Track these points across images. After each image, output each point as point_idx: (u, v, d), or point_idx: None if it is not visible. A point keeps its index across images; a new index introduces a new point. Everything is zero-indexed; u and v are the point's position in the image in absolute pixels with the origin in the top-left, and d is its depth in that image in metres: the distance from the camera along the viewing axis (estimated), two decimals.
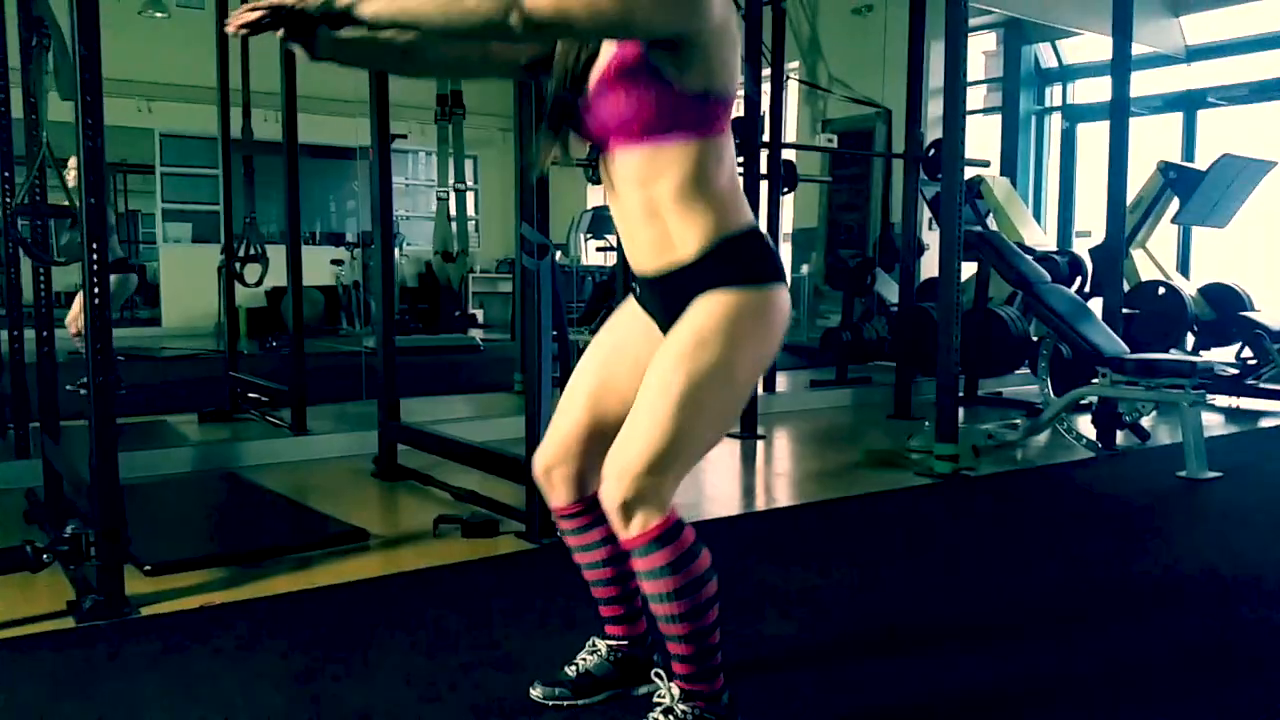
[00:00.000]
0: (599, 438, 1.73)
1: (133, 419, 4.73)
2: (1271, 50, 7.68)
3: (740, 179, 1.70)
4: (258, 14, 1.50)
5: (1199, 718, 1.86)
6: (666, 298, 1.65)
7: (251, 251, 5.34)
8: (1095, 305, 5.22)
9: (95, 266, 2.30)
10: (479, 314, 11.58)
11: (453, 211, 6.84)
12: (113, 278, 6.18)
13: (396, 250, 9.22)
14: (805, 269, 9.81)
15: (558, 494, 1.81)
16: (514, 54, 1.75)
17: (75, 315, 5.65)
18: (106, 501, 2.32)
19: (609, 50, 1.59)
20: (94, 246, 2.24)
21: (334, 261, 10.69)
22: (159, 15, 9.87)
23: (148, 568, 2.63)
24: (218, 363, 7.33)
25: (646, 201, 1.61)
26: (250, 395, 5.15)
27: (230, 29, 1.52)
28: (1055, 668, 2.11)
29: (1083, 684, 2.03)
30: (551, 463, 1.80)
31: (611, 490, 1.58)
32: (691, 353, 1.57)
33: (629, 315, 1.79)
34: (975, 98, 9.26)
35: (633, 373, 1.70)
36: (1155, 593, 2.64)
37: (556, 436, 1.80)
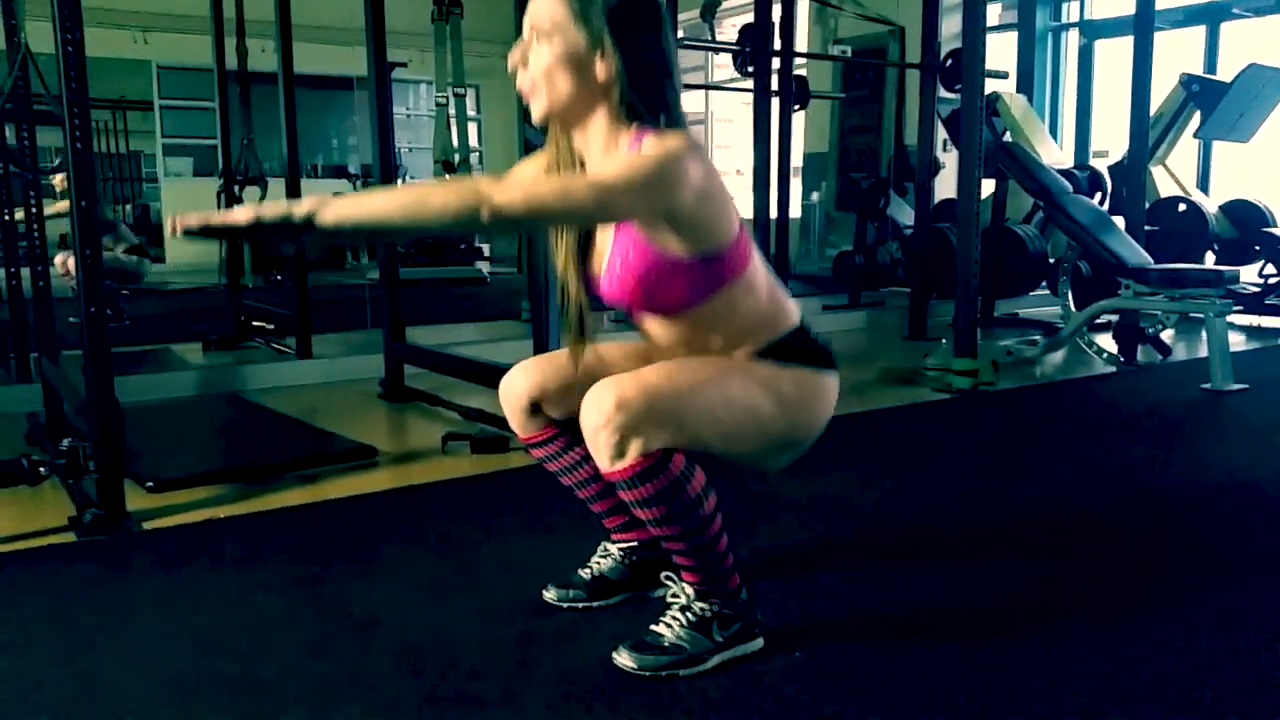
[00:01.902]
0: (580, 393, 1.57)
1: (137, 347, 4.67)
2: None
3: (776, 285, 1.64)
4: (200, 227, 1.33)
5: (1227, 621, 1.79)
6: None
7: (250, 175, 5.22)
8: (1116, 221, 5.08)
9: (79, 161, 2.19)
10: (485, 247, 11.46)
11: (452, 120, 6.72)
12: (128, 258, 6.11)
13: (400, 182, 9.14)
14: (816, 196, 9.63)
15: (526, 424, 1.72)
16: None
17: (67, 254, 5.59)
18: (102, 411, 2.25)
19: (609, 233, 1.55)
20: (77, 141, 2.14)
21: (336, 194, 10.53)
22: None
23: (150, 484, 2.57)
24: (222, 295, 7.28)
25: (687, 348, 1.61)
26: (255, 323, 5.08)
27: (170, 232, 1.35)
28: (1079, 572, 2.04)
29: (1108, 587, 1.96)
30: (527, 394, 1.69)
31: (593, 411, 1.46)
32: (733, 365, 1.57)
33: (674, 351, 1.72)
34: (991, 14, 8.96)
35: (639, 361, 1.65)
36: (1182, 500, 2.56)
37: (538, 369, 1.71)
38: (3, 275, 3.94)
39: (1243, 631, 1.71)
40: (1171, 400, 3.79)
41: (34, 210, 3.40)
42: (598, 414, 1.45)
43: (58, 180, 5.81)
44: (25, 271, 3.54)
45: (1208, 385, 3.84)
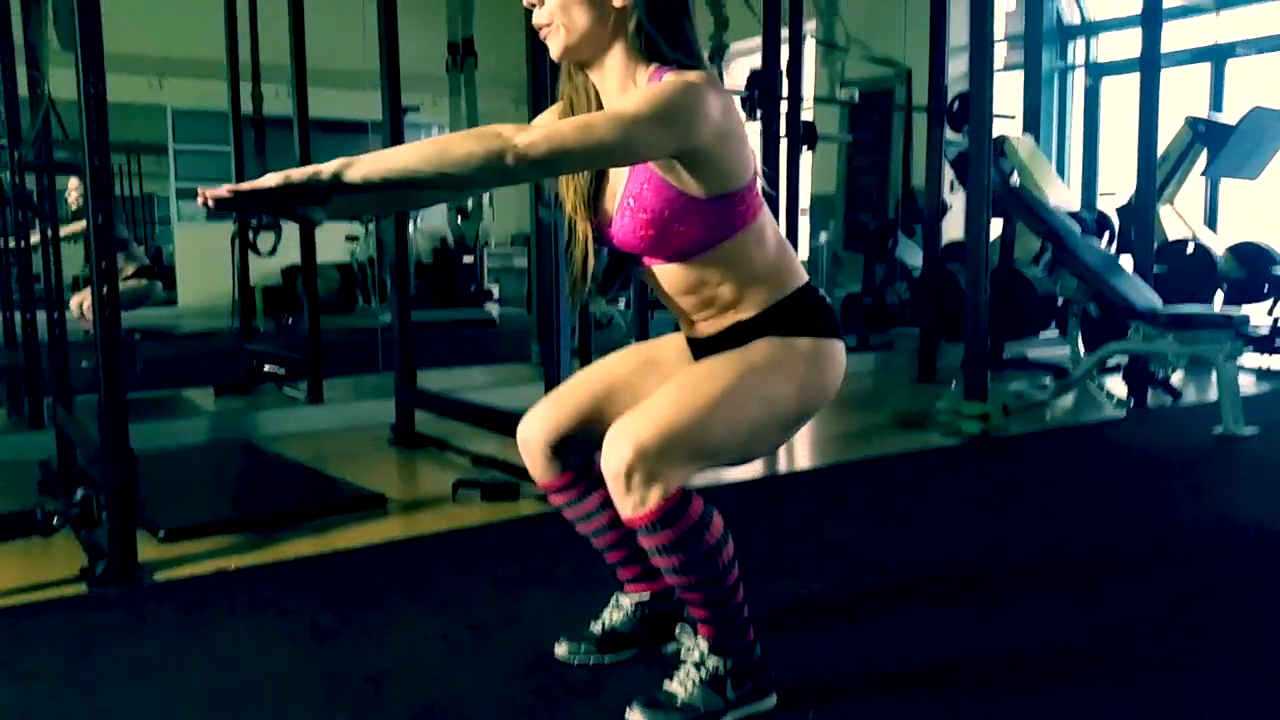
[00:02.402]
0: (598, 424, 1.63)
1: (148, 394, 4.69)
2: None
3: (784, 240, 1.64)
4: (231, 194, 1.37)
5: (1240, 670, 1.77)
6: (721, 346, 1.60)
7: (264, 220, 5.27)
8: (1123, 262, 5.08)
9: (100, 219, 2.22)
10: (494, 289, 11.52)
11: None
12: (137, 282, 6.16)
13: (410, 225, 9.22)
14: (823, 236, 9.67)
15: (546, 469, 1.72)
16: None
17: (82, 296, 5.64)
18: (116, 460, 2.26)
19: (621, 173, 1.54)
20: (99, 192, 2.17)
21: (349, 238, 10.64)
22: None
23: (162, 534, 2.57)
24: (234, 338, 7.31)
25: (695, 297, 1.59)
26: (265, 368, 5.10)
27: (201, 202, 1.39)
28: (1095, 621, 2.02)
29: (1122, 636, 1.94)
30: (545, 437, 1.69)
31: (613, 457, 1.46)
32: (739, 363, 1.54)
33: (674, 341, 1.74)
34: (997, 55, 9.05)
35: (659, 384, 1.62)
36: (1197, 547, 2.54)
37: (552, 411, 1.70)
38: (18, 319, 3.98)
39: (1267, 680, 1.69)
40: (1184, 445, 3.78)
41: (52, 255, 3.41)
42: (617, 460, 1.46)
43: (72, 197, 5.85)
44: (40, 315, 3.59)
45: (1219, 429, 3.82)
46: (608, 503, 1.62)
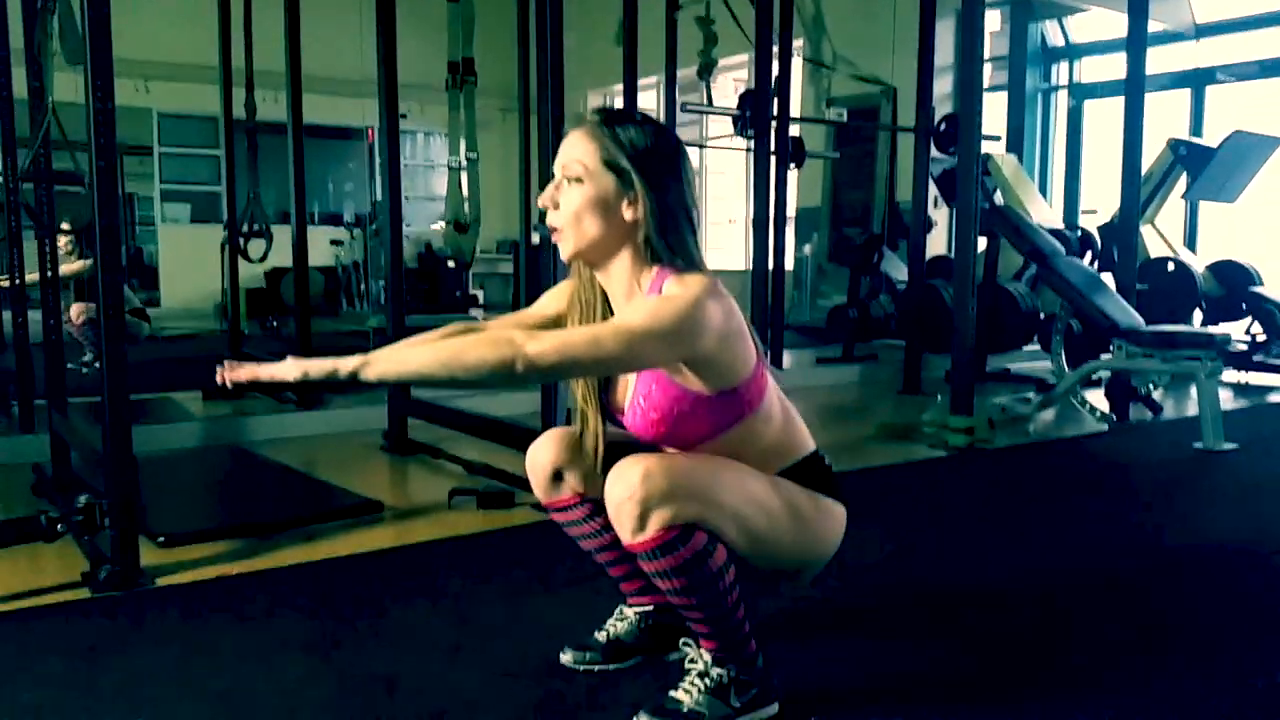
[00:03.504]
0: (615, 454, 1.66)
1: (138, 396, 4.67)
2: None
3: (791, 412, 1.70)
4: (249, 380, 1.47)
5: (1214, 679, 1.83)
6: None
7: (255, 227, 5.29)
8: (1106, 280, 5.18)
9: (105, 223, 2.24)
10: (479, 294, 11.53)
11: (463, 182, 6.79)
12: (131, 321, 6.14)
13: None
14: (808, 248, 9.75)
15: (552, 490, 1.76)
16: None
17: (80, 308, 5.65)
18: (120, 469, 2.28)
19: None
20: (105, 207, 2.19)
21: (333, 242, 10.63)
22: None
23: (161, 539, 2.59)
24: (219, 341, 7.29)
25: None
26: None
27: (220, 381, 1.50)
28: (1076, 633, 2.08)
29: (1102, 648, 1.99)
30: (551, 465, 1.73)
31: (619, 487, 1.49)
32: (756, 471, 1.61)
33: None
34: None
35: None
36: (1175, 563, 2.61)
37: (564, 443, 1.73)
38: (6, 319, 3.98)
39: (1246, 692, 1.75)
40: (1164, 460, 3.86)
41: (49, 262, 3.42)
42: (623, 487, 1.49)
43: (62, 243, 5.84)
44: (34, 316, 3.58)
45: (1200, 445, 3.90)
46: (610, 526, 1.64)
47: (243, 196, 5.58)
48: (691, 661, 1.67)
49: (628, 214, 1.57)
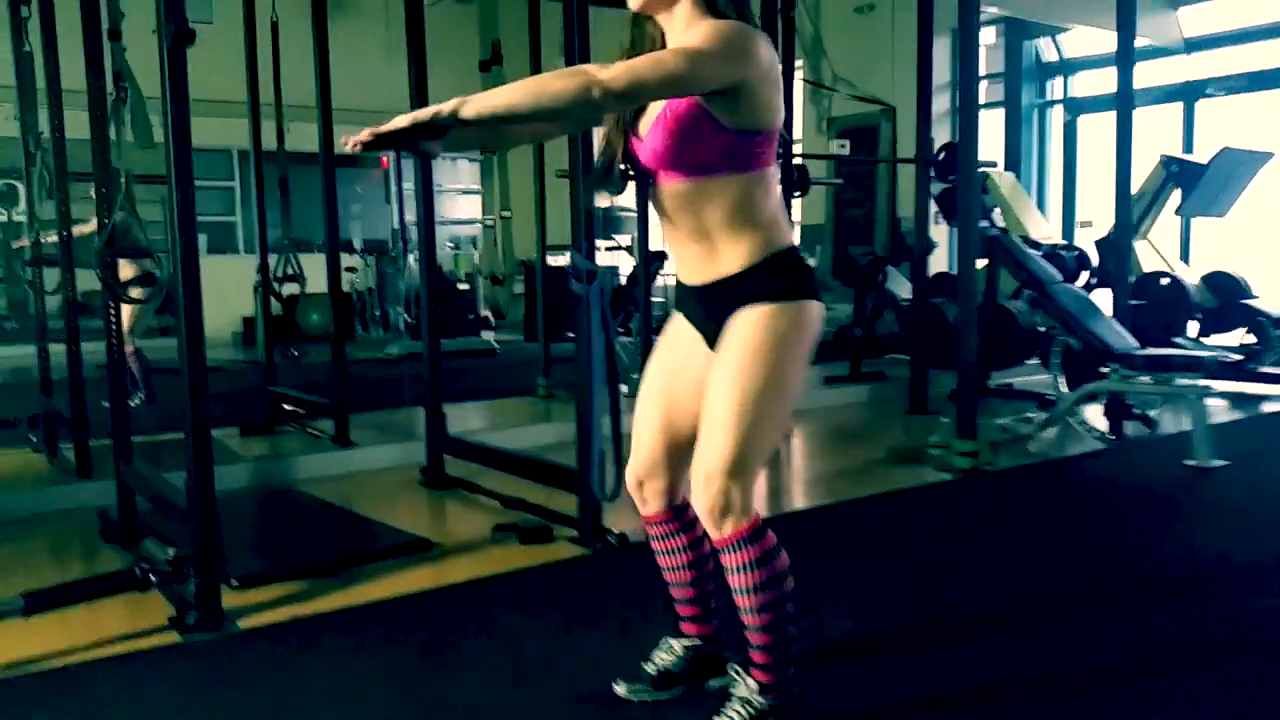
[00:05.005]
0: (678, 452, 1.96)
1: (172, 435, 4.84)
2: (1269, 40, 7.86)
3: (782, 204, 1.90)
4: (373, 137, 1.70)
5: (1211, 696, 2.06)
6: (710, 304, 1.87)
7: (290, 270, 5.51)
8: (1102, 295, 5.40)
9: (188, 303, 2.49)
10: (489, 316, 11.76)
11: (498, 239, 6.94)
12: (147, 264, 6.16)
13: (411, 257, 9.46)
14: (812, 263, 9.99)
15: (650, 505, 2.02)
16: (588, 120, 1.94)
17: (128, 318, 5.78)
18: (206, 524, 2.52)
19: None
20: (189, 289, 2.44)
21: (348, 269, 10.87)
22: None
23: (235, 582, 2.82)
24: (245, 373, 7.52)
25: (697, 225, 1.83)
26: (285, 406, 5.32)
27: (350, 148, 1.73)
28: (1079, 651, 2.31)
29: (1104, 665, 2.22)
30: (643, 476, 2.00)
31: (701, 497, 1.80)
32: (745, 369, 1.79)
33: (677, 337, 1.99)
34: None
35: (694, 391, 1.92)
36: (1169, 580, 2.84)
37: (642, 454, 2.00)
38: (61, 358, 4.18)
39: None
40: (1157, 477, 4.08)
41: (113, 314, 3.52)
42: (706, 498, 1.79)
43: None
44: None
45: (1191, 462, 4.13)
46: (691, 545, 1.99)
47: (271, 233, 5.76)
48: (735, 689, 1.91)
49: None
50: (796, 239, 1.87)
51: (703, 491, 1.79)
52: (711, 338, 1.88)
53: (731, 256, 1.82)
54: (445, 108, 1.66)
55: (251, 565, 2.97)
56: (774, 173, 1.84)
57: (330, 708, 2.08)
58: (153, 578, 2.54)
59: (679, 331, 1.99)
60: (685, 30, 1.78)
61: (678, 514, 2.01)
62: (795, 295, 1.82)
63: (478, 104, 1.65)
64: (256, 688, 2.20)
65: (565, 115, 1.74)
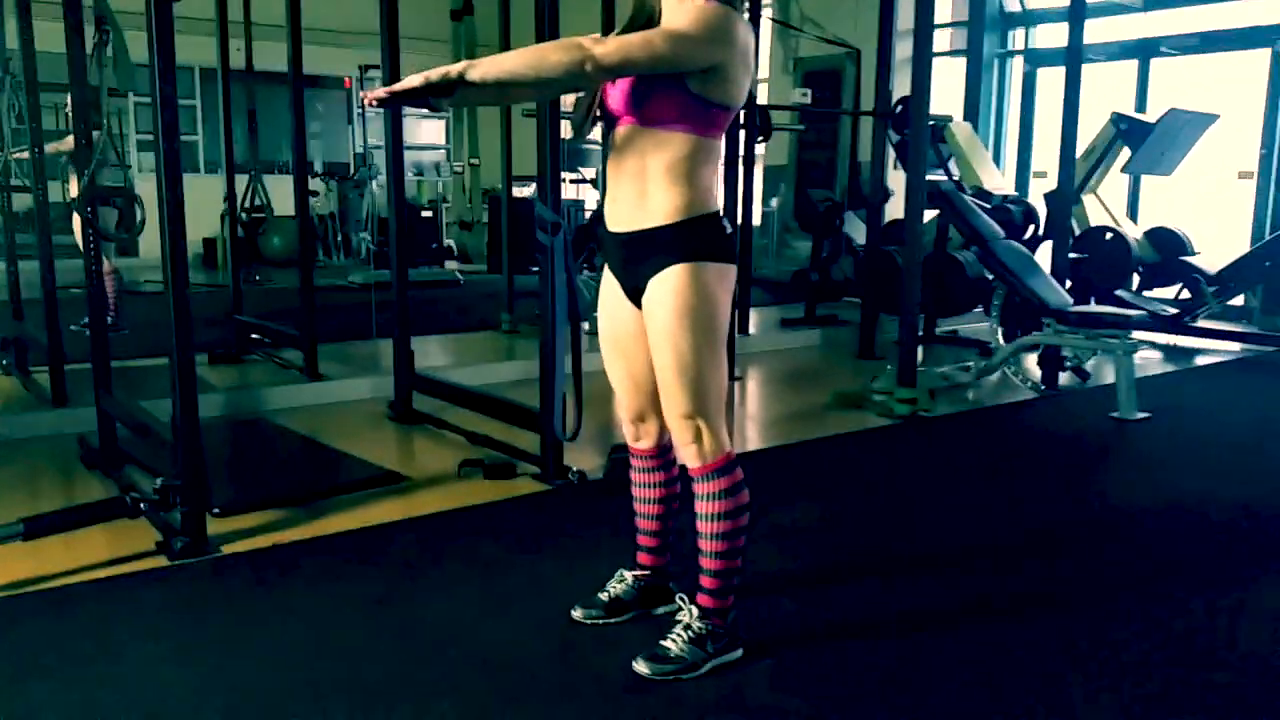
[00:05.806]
0: (655, 396, 2.14)
1: (145, 361, 4.90)
2: (1225, 1, 8.01)
3: (720, 173, 2.09)
4: (389, 94, 1.86)
5: (1110, 627, 2.34)
6: (632, 252, 2.05)
7: (257, 202, 5.58)
8: (1047, 249, 5.62)
9: (173, 251, 2.63)
10: (454, 245, 11.76)
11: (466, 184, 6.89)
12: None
13: (374, 182, 9.46)
14: (775, 202, 10.15)
15: (643, 441, 2.25)
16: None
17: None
18: (191, 455, 2.69)
19: None
20: (174, 230, 2.58)
21: (310, 193, 10.80)
22: None
23: (216, 510, 2.99)
24: (209, 298, 7.55)
25: (640, 169, 2.01)
26: (253, 335, 5.43)
27: (368, 102, 1.89)
28: (996, 589, 2.58)
29: (1020, 603, 2.50)
30: (635, 418, 2.23)
31: (678, 434, 2.06)
32: (676, 332, 2.01)
33: (608, 298, 2.19)
34: (941, 40, 9.54)
35: (639, 346, 2.15)
36: (1079, 526, 3.12)
37: (626, 401, 2.23)
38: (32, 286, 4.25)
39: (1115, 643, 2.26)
40: (1083, 428, 4.38)
41: (91, 246, 3.62)
42: (682, 432, 2.04)
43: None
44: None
45: (1116, 414, 4.42)
46: (667, 484, 2.26)
47: (238, 152, 5.67)
48: (679, 616, 2.15)
49: None
50: (719, 205, 2.07)
51: (679, 430, 2.05)
52: (630, 290, 2.09)
53: (661, 206, 1.99)
54: (454, 69, 1.84)
55: (231, 495, 3.15)
56: (720, 146, 2.04)
57: (309, 629, 2.29)
58: (142, 505, 2.71)
59: (609, 293, 2.18)
60: (679, 3, 1.95)
61: (662, 453, 2.25)
62: (714, 257, 2.02)
63: (483, 68, 1.84)
64: (241, 609, 2.41)
65: (559, 84, 1.98)
